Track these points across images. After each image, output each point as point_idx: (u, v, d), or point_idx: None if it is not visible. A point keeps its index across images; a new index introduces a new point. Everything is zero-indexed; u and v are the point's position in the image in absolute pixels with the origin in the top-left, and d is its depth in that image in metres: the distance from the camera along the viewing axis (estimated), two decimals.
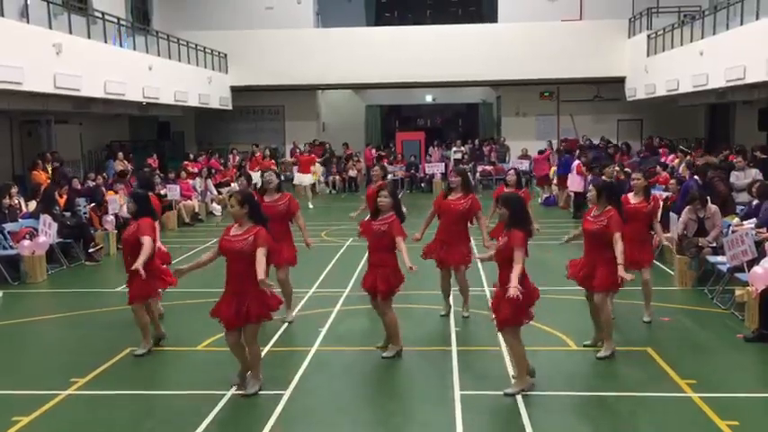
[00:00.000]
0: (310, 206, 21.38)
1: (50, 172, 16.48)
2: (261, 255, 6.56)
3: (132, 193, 8.65)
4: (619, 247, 7.49)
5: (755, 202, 11.29)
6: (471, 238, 9.41)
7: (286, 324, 9.27)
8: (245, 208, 6.68)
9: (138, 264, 7.55)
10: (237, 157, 25.86)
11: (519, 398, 6.74)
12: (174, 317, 9.62)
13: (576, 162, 19.49)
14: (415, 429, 6.30)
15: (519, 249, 6.57)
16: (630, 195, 9.21)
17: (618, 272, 7.38)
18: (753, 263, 9.00)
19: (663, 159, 20.88)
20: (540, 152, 24.28)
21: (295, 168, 23.96)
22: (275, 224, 8.97)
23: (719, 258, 10.15)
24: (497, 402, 6.75)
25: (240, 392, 6.91)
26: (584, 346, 8.10)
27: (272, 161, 24.91)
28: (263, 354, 8.08)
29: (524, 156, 27.00)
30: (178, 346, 8.40)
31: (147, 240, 7.78)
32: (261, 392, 6.97)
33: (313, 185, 23.95)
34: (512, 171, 10.73)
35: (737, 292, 9.16)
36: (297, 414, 6.58)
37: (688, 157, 18.26)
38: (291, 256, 9.13)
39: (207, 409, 6.58)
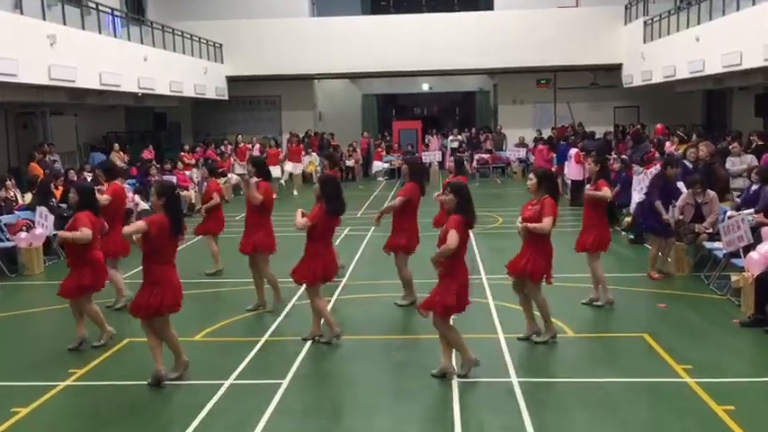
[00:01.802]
0: (295, 193, 21.81)
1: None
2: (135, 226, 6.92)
3: (76, 185, 8.70)
4: (540, 228, 7.62)
5: (754, 187, 11.26)
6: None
7: (284, 314, 9.28)
8: (161, 200, 6.93)
9: (66, 234, 7.82)
10: (230, 147, 25.79)
11: (516, 384, 6.78)
12: None
13: (574, 150, 19.48)
14: (413, 416, 6.31)
15: (453, 231, 6.63)
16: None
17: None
18: (749, 248, 9.02)
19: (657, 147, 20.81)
20: (540, 141, 24.19)
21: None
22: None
23: (716, 244, 10.17)
24: (495, 389, 6.78)
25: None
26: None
27: (279, 149, 24.89)
28: (260, 342, 8.14)
29: (521, 144, 27.02)
30: None
31: (84, 230, 7.80)
32: (259, 382, 7.02)
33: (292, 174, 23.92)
34: (451, 158, 10.82)
35: (734, 278, 9.17)
36: (295, 403, 6.60)
37: (684, 146, 18.21)
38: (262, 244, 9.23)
39: (205, 399, 6.60)
